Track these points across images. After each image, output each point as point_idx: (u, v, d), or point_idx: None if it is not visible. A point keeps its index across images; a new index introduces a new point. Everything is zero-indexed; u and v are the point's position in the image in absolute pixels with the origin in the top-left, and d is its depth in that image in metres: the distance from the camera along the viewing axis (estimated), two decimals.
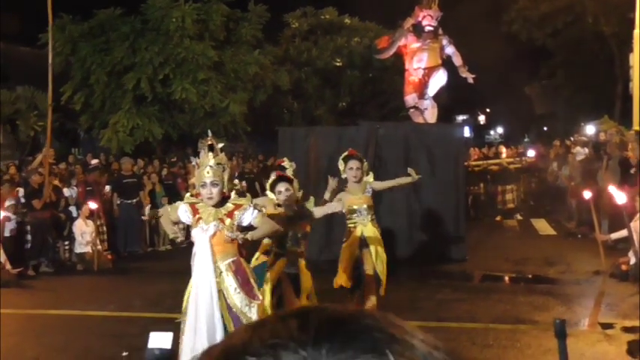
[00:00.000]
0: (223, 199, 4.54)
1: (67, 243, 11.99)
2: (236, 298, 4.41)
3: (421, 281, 8.76)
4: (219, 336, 4.31)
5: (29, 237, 11.42)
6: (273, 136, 14.31)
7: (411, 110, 14.01)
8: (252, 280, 4.54)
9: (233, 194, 4.60)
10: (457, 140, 12.17)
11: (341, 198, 6.37)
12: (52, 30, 12.75)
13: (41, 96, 20.36)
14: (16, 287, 9.95)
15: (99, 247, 11.67)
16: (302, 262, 5.57)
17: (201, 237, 4.47)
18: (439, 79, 13.64)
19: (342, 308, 0.60)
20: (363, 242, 6.51)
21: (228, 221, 4.47)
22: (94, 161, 15.78)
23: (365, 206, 6.62)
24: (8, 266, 10.41)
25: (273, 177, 5.43)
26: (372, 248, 6.50)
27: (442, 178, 10.87)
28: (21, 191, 11.75)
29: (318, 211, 5.66)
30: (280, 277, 5.38)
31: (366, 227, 6.57)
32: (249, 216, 4.50)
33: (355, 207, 6.60)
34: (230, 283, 4.43)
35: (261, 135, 22.58)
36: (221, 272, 4.44)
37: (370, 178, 6.77)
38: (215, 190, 4.44)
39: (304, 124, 22.95)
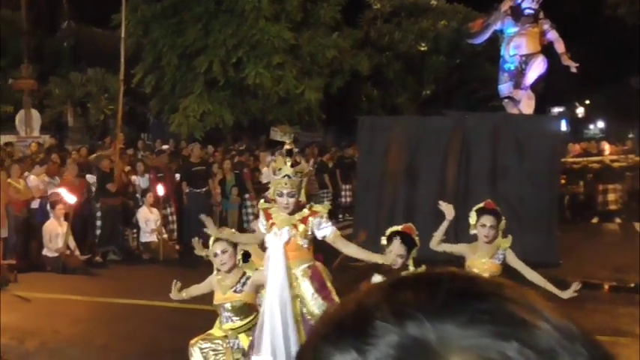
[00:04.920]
0: (303, 206, 4.66)
1: (134, 231, 12.39)
2: (314, 304, 4.52)
3: None
4: (293, 342, 4.44)
5: (99, 223, 11.88)
6: (350, 125, 14.36)
7: (505, 101, 13.74)
8: (329, 284, 4.61)
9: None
10: (553, 134, 11.87)
11: (462, 252, 5.80)
12: (124, 10, 13.15)
13: (112, 79, 21.11)
14: (84, 274, 10.40)
15: (165, 236, 12.03)
16: None
17: (274, 243, 4.57)
18: (538, 68, 13.29)
19: (479, 279, 0.61)
20: None
21: (301, 227, 4.55)
22: (164, 147, 16.27)
23: (487, 275, 6.04)
24: (77, 253, 10.89)
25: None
26: None
27: (534, 175, 10.64)
28: (89, 177, 12.23)
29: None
30: None
31: None
32: (322, 227, 4.59)
33: (475, 271, 5.97)
34: (307, 288, 4.54)
35: (338, 124, 22.65)
36: (297, 278, 4.55)
37: (507, 242, 5.85)
38: (292, 200, 4.53)
39: (384, 112, 22.89)
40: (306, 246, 4.56)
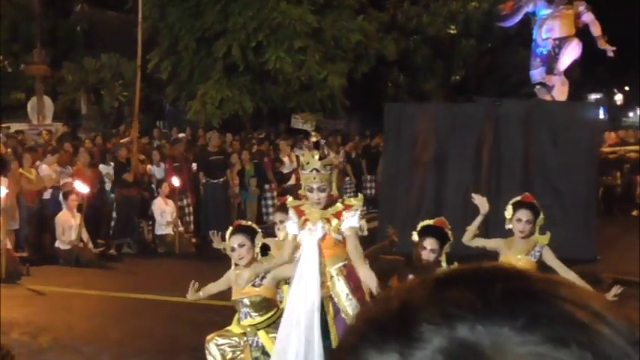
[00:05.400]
0: (335, 200, 4.64)
1: (150, 223, 12.46)
2: (348, 304, 4.50)
3: None
4: (316, 344, 4.40)
5: (113, 215, 11.97)
6: (375, 112, 14.30)
7: (537, 87, 13.62)
8: (364, 286, 4.57)
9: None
10: (589, 122, 11.74)
11: (497, 247, 5.75)
12: None
13: (127, 64, 21.25)
14: (98, 268, 10.51)
15: (181, 228, 12.10)
16: None
17: (309, 240, 4.57)
18: (572, 52, 13.15)
19: (534, 277, 0.58)
20: None
21: (335, 222, 4.54)
22: (180, 135, 16.33)
23: None
24: (90, 245, 10.99)
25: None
26: None
27: (570, 166, 10.54)
28: (102, 167, 12.32)
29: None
30: None
31: None
32: (348, 221, 4.54)
33: None
34: (342, 288, 4.53)
35: (363, 111, 22.59)
36: (332, 277, 4.55)
37: (545, 238, 5.79)
38: (323, 195, 4.52)
39: (411, 99, 22.79)
40: (341, 242, 4.55)
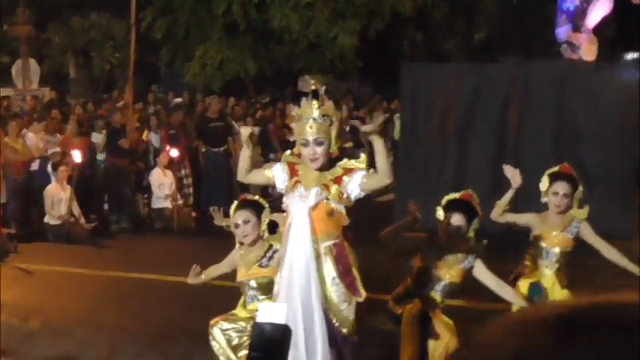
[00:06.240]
0: (331, 162, 4.32)
1: (145, 196, 12.45)
2: (333, 290, 4.24)
3: (579, 265, 8.39)
4: (318, 331, 4.18)
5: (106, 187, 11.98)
6: (390, 74, 14.18)
7: (563, 46, 13.47)
8: (354, 271, 4.33)
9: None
10: (628, 85, 11.61)
11: (530, 223, 5.76)
12: None
13: (118, 24, 21.17)
14: (91, 245, 10.54)
15: (180, 202, 12.09)
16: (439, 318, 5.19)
17: (298, 207, 4.25)
18: (602, 8, 12.98)
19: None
20: (534, 290, 5.76)
21: (334, 188, 4.24)
22: (177, 100, 16.28)
23: (557, 250, 5.79)
24: (82, 220, 11.00)
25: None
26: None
27: (607, 135, 10.45)
28: (94, 135, 12.29)
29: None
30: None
31: (545, 276, 5.83)
32: (354, 182, 4.25)
33: (544, 245, 5.82)
34: (328, 271, 4.24)
35: (376, 73, 22.46)
36: (319, 256, 4.24)
37: (583, 213, 5.77)
38: (320, 150, 4.23)
39: (429, 60, 22.62)
40: (338, 213, 4.24)
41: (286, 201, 4.34)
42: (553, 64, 12.30)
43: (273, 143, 13.89)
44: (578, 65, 12.22)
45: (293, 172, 4.35)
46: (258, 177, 4.60)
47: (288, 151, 4.53)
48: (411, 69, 12.37)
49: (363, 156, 4.36)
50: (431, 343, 5.06)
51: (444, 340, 5.06)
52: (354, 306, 4.27)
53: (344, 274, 4.24)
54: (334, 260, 4.22)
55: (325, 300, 4.22)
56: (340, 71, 20.18)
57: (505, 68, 11.53)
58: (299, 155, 4.36)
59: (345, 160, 4.35)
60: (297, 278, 4.18)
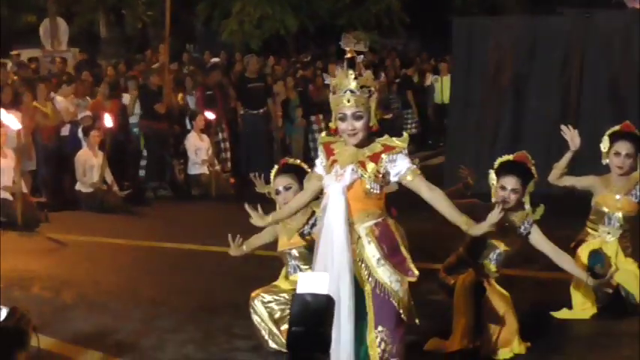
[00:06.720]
0: (371, 137, 4.20)
1: (181, 162, 12.50)
2: (380, 271, 4.13)
3: None
4: (346, 330, 4.06)
5: (144, 153, 12.09)
6: (441, 30, 14.00)
7: None
8: (403, 250, 4.20)
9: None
10: None
11: (591, 186, 5.75)
12: None
13: None
14: (125, 213, 10.68)
15: (217, 167, 12.15)
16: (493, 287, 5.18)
17: (334, 187, 4.13)
18: None
19: None
20: (595, 258, 5.68)
21: (371, 166, 4.10)
22: (214, 60, 16.29)
23: (620, 215, 5.77)
24: (115, 188, 11.12)
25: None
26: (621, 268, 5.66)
27: None
28: (125, 97, 12.37)
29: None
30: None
31: (608, 244, 5.80)
32: (400, 165, 4.12)
33: (606, 210, 5.81)
34: (372, 252, 4.14)
35: (425, 29, 22.22)
36: (359, 238, 4.15)
37: None
38: (359, 125, 4.08)
39: (482, 13, 22.30)
40: (376, 193, 4.12)
41: (325, 182, 4.24)
42: (618, 15, 12.04)
43: (315, 106, 13.76)
44: None
45: (329, 152, 4.27)
46: (312, 189, 4.51)
47: (324, 133, 4.46)
48: (463, 23, 12.19)
49: (405, 135, 4.23)
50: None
51: (499, 311, 5.03)
52: (407, 286, 4.22)
53: (390, 254, 4.15)
54: (377, 241, 4.14)
55: (375, 282, 4.12)
56: (386, 27, 19.99)
57: (565, 20, 11.31)
58: (336, 130, 4.25)
59: (386, 135, 4.23)
60: (331, 263, 4.09)
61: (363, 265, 4.14)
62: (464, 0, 24.23)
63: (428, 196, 4.15)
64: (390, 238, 4.18)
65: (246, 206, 4.60)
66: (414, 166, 4.14)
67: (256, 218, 4.62)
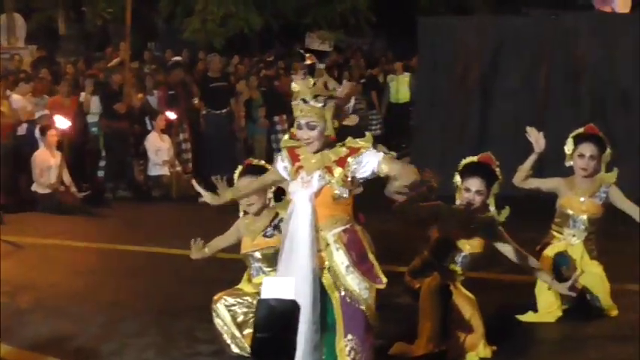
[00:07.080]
0: (334, 142, 4.17)
1: (141, 162, 12.44)
2: (349, 278, 4.11)
3: (610, 233, 8.33)
4: (309, 336, 4.04)
5: (103, 153, 11.99)
6: (407, 29, 14.07)
7: None
8: (370, 256, 4.22)
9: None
10: None
11: (555, 188, 5.85)
12: None
13: None
14: (84, 215, 10.56)
15: (178, 168, 12.11)
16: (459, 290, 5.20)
17: (300, 194, 4.12)
18: None
19: None
20: (560, 260, 5.75)
21: (338, 171, 4.07)
22: (175, 58, 16.22)
23: (585, 217, 5.84)
24: (73, 189, 11.03)
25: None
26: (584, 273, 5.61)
27: None
28: (83, 96, 12.26)
29: None
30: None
31: (573, 246, 5.85)
32: (369, 162, 4.06)
33: (570, 212, 5.87)
34: (341, 259, 4.12)
35: (391, 28, 22.29)
36: (328, 245, 4.13)
37: (612, 176, 5.82)
38: (313, 134, 4.06)
39: (448, 13, 22.42)
40: (344, 198, 4.11)
41: (290, 188, 4.23)
42: (583, 16, 12.18)
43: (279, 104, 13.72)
44: (614, 18, 12.09)
45: (294, 157, 4.24)
46: (264, 181, 4.67)
47: (286, 136, 4.41)
48: (429, 23, 12.30)
49: (368, 134, 4.21)
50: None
51: (465, 315, 5.07)
52: (374, 293, 4.22)
53: (359, 261, 4.14)
54: (345, 248, 4.13)
55: (344, 290, 4.11)
56: (352, 26, 20.02)
57: (531, 21, 11.44)
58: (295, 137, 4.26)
59: (349, 138, 4.19)
60: (293, 270, 4.05)
61: (331, 272, 4.13)
62: (431, 0, 24.35)
63: (403, 180, 4.07)
64: (358, 244, 4.18)
65: (214, 179, 4.78)
66: (384, 154, 4.11)
67: (208, 197, 4.74)
